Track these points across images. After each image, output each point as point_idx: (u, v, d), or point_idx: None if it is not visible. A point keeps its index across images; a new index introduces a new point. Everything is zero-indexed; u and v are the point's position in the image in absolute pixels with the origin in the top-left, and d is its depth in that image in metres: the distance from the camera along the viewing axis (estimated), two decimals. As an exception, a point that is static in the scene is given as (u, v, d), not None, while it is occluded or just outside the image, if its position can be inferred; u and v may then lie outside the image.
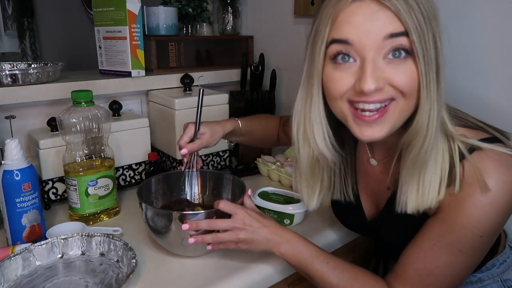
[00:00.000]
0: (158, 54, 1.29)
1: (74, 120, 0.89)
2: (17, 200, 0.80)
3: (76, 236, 0.81)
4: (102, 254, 0.80)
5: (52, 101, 1.09)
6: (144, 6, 1.26)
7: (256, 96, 1.36)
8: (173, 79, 1.27)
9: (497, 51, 0.92)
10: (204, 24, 1.47)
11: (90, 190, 0.93)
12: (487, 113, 0.76)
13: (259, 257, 0.82)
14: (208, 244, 0.76)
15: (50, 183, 1.00)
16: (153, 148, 1.20)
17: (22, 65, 1.14)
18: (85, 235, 0.81)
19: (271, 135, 1.06)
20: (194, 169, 0.89)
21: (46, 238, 0.83)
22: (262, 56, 1.38)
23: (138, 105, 1.28)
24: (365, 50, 0.59)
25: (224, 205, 0.75)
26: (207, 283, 0.74)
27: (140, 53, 1.16)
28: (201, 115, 0.86)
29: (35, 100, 1.05)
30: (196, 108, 0.85)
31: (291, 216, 0.93)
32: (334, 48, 0.61)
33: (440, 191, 0.63)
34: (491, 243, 0.67)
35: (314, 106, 0.67)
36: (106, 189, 0.95)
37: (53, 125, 1.00)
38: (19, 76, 1.01)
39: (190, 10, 1.40)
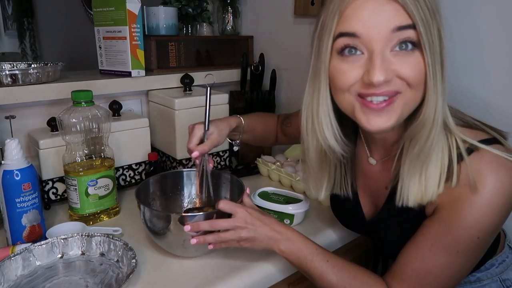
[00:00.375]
0: (158, 54, 1.29)
1: (74, 120, 0.89)
2: (17, 200, 0.80)
3: (76, 236, 0.81)
4: (102, 254, 0.80)
5: (52, 101, 1.09)
6: (144, 6, 1.26)
7: (256, 96, 1.36)
8: (173, 79, 1.27)
9: (498, 50, 0.92)
10: (204, 24, 1.47)
11: (90, 190, 0.93)
12: (487, 113, 0.76)
13: (259, 257, 0.82)
14: (210, 244, 0.76)
15: (50, 183, 1.00)
16: (153, 148, 1.20)
17: (22, 65, 1.14)
18: (85, 235, 0.81)
19: (271, 133, 1.06)
20: (207, 170, 0.87)
21: (46, 238, 0.83)
22: (262, 56, 1.38)
23: (138, 105, 1.28)
24: (373, 43, 0.59)
25: (224, 204, 0.75)
26: (207, 283, 0.74)
27: (140, 53, 1.16)
28: (210, 115, 0.83)
29: (35, 100, 1.05)
30: (204, 108, 0.83)
31: (291, 216, 0.93)
32: (342, 41, 0.62)
33: (439, 185, 0.64)
34: (489, 244, 0.67)
35: (322, 100, 0.67)
36: (106, 189, 0.95)
37: (53, 125, 1.00)
38: (19, 76, 1.01)
39: (190, 10, 1.40)
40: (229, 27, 1.49)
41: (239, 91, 1.38)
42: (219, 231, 0.75)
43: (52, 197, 1.01)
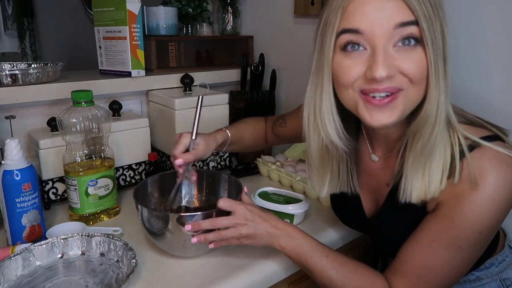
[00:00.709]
0: (158, 54, 1.29)
1: (74, 120, 0.89)
2: (17, 200, 0.80)
3: (76, 236, 0.81)
4: (102, 254, 0.80)
5: (52, 101, 1.09)
6: (144, 6, 1.26)
7: (256, 96, 1.36)
8: (173, 79, 1.27)
9: (499, 49, 0.91)
10: (204, 24, 1.47)
11: (90, 190, 0.93)
12: (487, 111, 0.76)
13: (259, 257, 0.82)
14: (210, 242, 0.76)
15: (50, 183, 1.00)
16: (153, 148, 1.20)
17: (22, 65, 1.14)
18: (85, 235, 0.81)
19: (259, 139, 1.06)
20: (190, 182, 0.88)
21: (46, 238, 0.83)
22: (262, 56, 1.38)
23: (138, 105, 1.28)
24: (376, 39, 0.60)
25: (223, 203, 0.75)
26: (207, 283, 0.74)
27: (140, 53, 1.16)
28: (199, 124, 0.83)
29: (35, 100, 1.05)
30: (194, 116, 0.83)
31: (291, 216, 0.93)
32: (345, 38, 0.62)
33: (442, 181, 0.64)
34: (489, 240, 0.68)
35: (325, 95, 0.68)
36: (106, 189, 0.95)
37: (53, 125, 1.00)
38: (19, 76, 1.01)
39: (190, 10, 1.40)
40: (229, 27, 1.49)
41: (239, 91, 1.38)
42: (219, 229, 0.75)
43: (52, 197, 1.01)
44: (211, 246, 0.76)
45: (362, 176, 0.81)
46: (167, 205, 0.90)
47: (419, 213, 0.69)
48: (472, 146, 0.64)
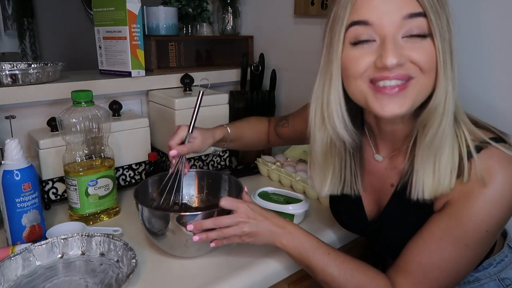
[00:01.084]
0: (158, 54, 1.29)
1: (74, 120, 0.89)
2: (17, 200, 0.80)
3: (76, 236, 0.81)
4: (102, 254, 0.80)
5: (52, 101, 1.09)
6: (144, 6, 1.26)
7: (256, 96, 1.36)
8: (173, 79, 1.27)
9: (502, 53, 0.91)
10: (204, 24, 1.47)
11: (90, 190, 0.93)
12: (489, 115, 0.76)
13: (259, 257, 0.82)
14: (211, 241, 0.76)
15: (50, 183, 1.00)
16: (153, 148, 1.20)
17: (22, 65, 1.14)
18: (85, 235, 0.81)
19: (261, 138, 1.06)
20: (182, 174, 0.88)
21: (46, 238, 0.83)
22: (262, 56, 1.38)
23: (138, 105, 1.28)
24: (385, 29, 0.61)
25: (225, 202, 0.75)
26: (207, 283, 0.74)
27: (140, 53, 1.16)
28: (196, 118, 0.85)
29: (35, 100, 1.05)
30: (192, 110, 0.84)
31: (291, 216, 0.93)
32: (354, 30, 0.63)
33: (451, 179, 0.65)
34: (495, 238, 0.68)
35: (333, 88, 0.68)
36: (106, 189, 0.95)
37: (53, 125, 1.00)
38: (19, 76, 1.01)
39: (190, 10, 1.40)
40: (229, 27, 1.49)
41: (239, 91, 1.38)
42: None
43: (52, 197, 1.01)
44: (213, 245, 0.76)
45: (365, 177, 0.81)
46: (158, 195, 0.90)
47: (425, 212, 0.69)
48: (479, 147, 0.64)
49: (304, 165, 1.18)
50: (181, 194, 0.90)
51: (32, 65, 1.09)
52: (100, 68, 1.25)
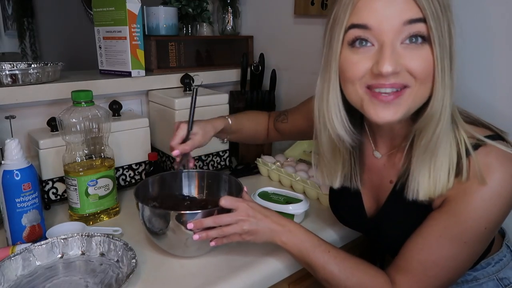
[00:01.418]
0: (158, 54, 1.29)
1: (74, 120, 0.89)
2: (17, 200, 0.80)
3: (76, 236, 0.81)
4: (102, 254, 0.80)
5: (52, 101, 1.09)
6: (144, 6, 1.26)
7: (256, 96, 1.36)
8: (173, 79, 1.27)
9: (503, 53, 0.91)
10: (204, 24, 1.47)
11: (90, 190, 0.93)
12: (489, 114, 0.76)
13: (259, 256, 0.82)
14: (211, 240, 0.76)
15: (50, 183, 1.00)
16: (153, 148, 1.20)
17: (22, 65, 1.14)
18: (85, 235, 0.81)
19: (261, 131, 1.07)
20: (187, 168, 0.90)
21: (46, 238, 0.83)
22: (262, 56, 1.38)
23: (138, 105, 1.28)
24: (384, 35, 0.61)
25: (225, 201, 0.75)
26: (207, 283, 0.74)
27: (140, 53, 1.16)
28: (194, 115, 0.85)
29: (35, 100, 1.05)
30: (190, 108, 0.85)
31: (291, 216, 0.93)
32: (353, 33, 0.63)
33: (449, 179, 0.65)
34: (493, 235, 0.69)
35: (332, 90, 0.68)
36: (106, 189, 0.95)
37: (53, 125, 1.00)
38: (19, 76, 1.01)
39: (190, 10, 1.40)
40: (229, 27, 1.49)
41: (239, 91, 1.38)
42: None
43: (52, 197, 1.01)
44: (213, 244, 0.76)
45: (365, 173, 0.81)
46: (198, 197, 0.93)
47: (423, 210, 0.69)
48: (477, 145, 0.65)
49: (304, 165, 1.19)
50: (191, 191, 0.92)
51: (32, 65, 1.09)
52: (100, 68, 1.25)
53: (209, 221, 0.74)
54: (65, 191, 1.00)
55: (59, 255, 0.80)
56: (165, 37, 1.30)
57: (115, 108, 1.11)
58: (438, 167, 0.65)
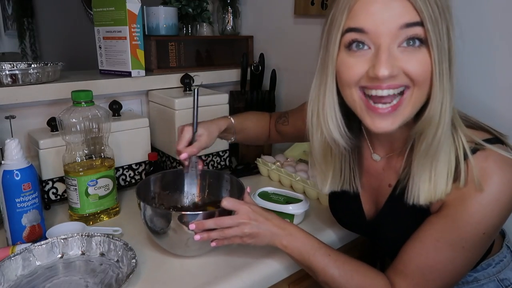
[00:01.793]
0: (158, 54, 1.29)
1: (74, 120, 0.89)
2: (17, 200, 0.80)
3: (76, 236, 0.81)
4: (102, 254, 0.80)
5: (52, 101, 1.09)
6: (144, 6, 1.26)
7: (256, 96, 1.36)
8: (173, 79, 1.27)
9: (503, 53, 0.91)
10: (204, 24, 1.47)
11: (90, 190, 0.93)
12: (489, 116, 0.76)
13: (259, 256, 0.82)
14: (212, 241, 0.76)
15: (50, 183, 1.00)
16: (153, 148, 1.20)
17: (22, 65, 1.14)
18: (85, 235, 0.81)
19: (263, 132, 1.06)
20: (197, 170, 0.89)
21: (46, 238, 0.83)
22: (262, 56, 1.38)
23: (138, 105, 1.28)
24: (380, 38, 0.60)
25: (227, 202, 0.75)
26: (207, 283, 0.74)
27: (140, 53, 1.16)
28: (198, 116, 0.85)
29: (35, 100, 1.05)
30: (192, 109, 0.84)
31: (291, 216, 0.93)
32: (350, 36, 0.62)
33: (448, 184, 0.64)
34: (492, 239, 0.68)
35: (328, 93, 0.68)
36: (106, 189, 0.95)
37: (53, 125, 1.00)
38: (19, 76, 1.01)
39: (190, 10, 1.40)
40: (229, 27, 1.49)
41: (239, 91, 1.38)
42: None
43: (52, 197, 1.01)
44: (213, 244, 0.76)
45: (363, 176, 0.81)
46: (198, 196, 0.93)
47: (422, 213, 0.69)
48: (476, 149, 0.64)
49: (304, 165, 1.18)
50: (193, 191, 0.91)
51: (32, 65, 1.09)
52: (100, 68, 1.25)
53: (210, 223, 0.74)
54: (65, 191, 1.00)
55: (59, 255, 0.80)
56: (165, 37, 1.30)
57: (115, 108, 1.11)
58: (438, 171, 0.64)
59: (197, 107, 0.84)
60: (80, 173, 0.91)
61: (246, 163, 1.30)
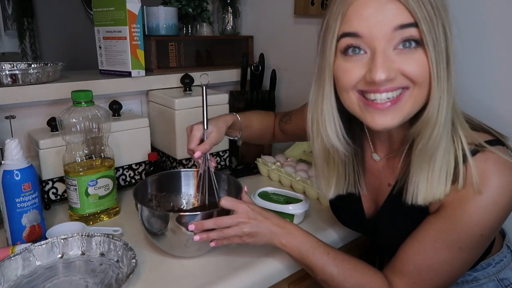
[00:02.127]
0: (158, 54, 1.29)
1: (74, 120, 0.89)
2: (17, 200, 0.80)
3: (76, 236, 0.81)
4: (102, 254, 0.80)
5: (52, 101, 1.09)
6: (144, 6, 1.25)
7: (256, 96, 1.36)
8: (173, 79, 1.27)
9: (503, 54, 0.91)
10: (204, 24, 1.47)
11: (90, 190, 0.93)
12: (489, 117, 0.76)
13: (259, 256, 0.82)
14: (211, 241, 0.76)
15: (50, 183, 1.00)
16: (153, 148, 1.20)
17: (22, 65, 1.14)
18: (85, 235, 0.81)
19: (268, 130, 1.06)
20: (211, 168, 0.88)
21: (46, 238, 0.83)
22: (262, 56, 1.38)
23: (138, 105, 1.28)
24: (375, 42, 0.60)
25: (226, 202, 0.75)
26: (207, 283, 0.74)
27: (140, 53, 1.16)
28: (207, 114, 0.84)
29: (35, 100, 1.05)
30: (201, 108, 0.83)
31: (291, 216, 0.93)
32: (345, 41, 0.62)
33: (446, 184, 0.64)
34: (490, 241, 0.68)
35: (326, 99, 0.68)
36: (106, 189, 0.95)
37: (53, 125, 1.00)
38: (19, 76, 1.01)
39: (190, 10, 1.40)
40: (229, 27, 1.49)
41: (239, 91, 1.38)
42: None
43: (52, 197, 1.01)
44: (212, 244, 0.76)
45: (364, 175, 0.81)
46: (196, 197, 0.92)
47: (420, 214, 0.69)
48: (476, 150, 0.64)
49: (304, 165, 1.18)
50: (215, 190, 0.89)
51: (32, 65, 1.09)
52: (100, 68, 1.25)
53: (209, 223, 0.74)
54: (65, 191, 1.00)
55: (59, 255, 0.80)
56: (165, 37, 1.30)
57: (115, 108, 1.11)
58: (435, 172, 0.64)
59: (207, 105, 0.84)
60: (80, 173, 0.91)
61: (246, 163, 1.30)
